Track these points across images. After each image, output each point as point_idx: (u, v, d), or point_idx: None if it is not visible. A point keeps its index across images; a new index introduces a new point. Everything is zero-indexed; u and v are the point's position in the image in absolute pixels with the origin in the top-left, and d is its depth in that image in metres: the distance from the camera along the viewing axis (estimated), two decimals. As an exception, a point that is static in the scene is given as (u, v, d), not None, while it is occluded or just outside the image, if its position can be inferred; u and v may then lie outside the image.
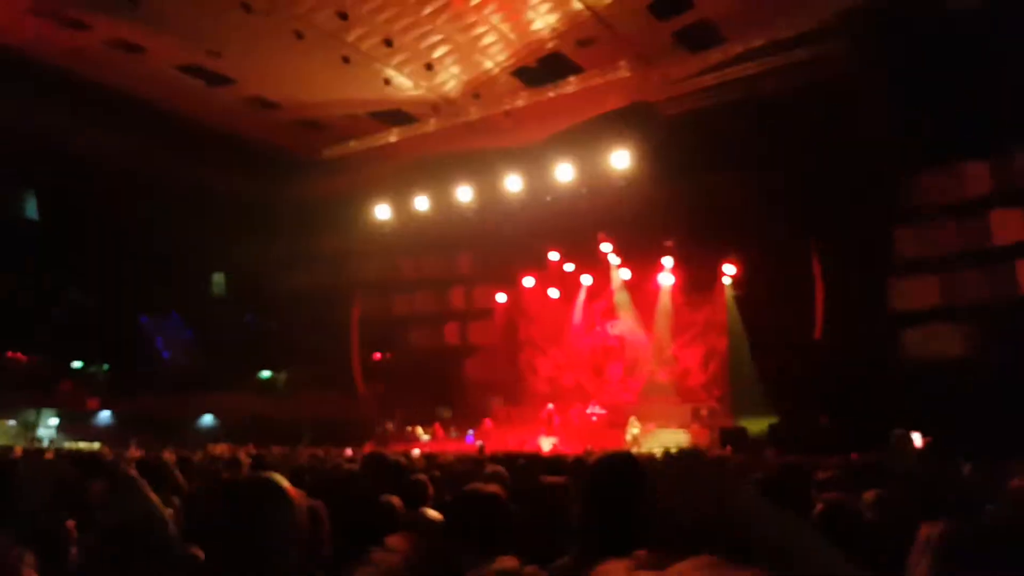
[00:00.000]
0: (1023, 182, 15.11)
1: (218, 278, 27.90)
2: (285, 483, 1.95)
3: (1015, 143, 15.06)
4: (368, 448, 16.54)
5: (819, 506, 2.64)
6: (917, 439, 11.41)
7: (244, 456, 7.27)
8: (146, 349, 26.59)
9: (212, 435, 21.69)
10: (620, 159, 18.45)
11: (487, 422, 22.42)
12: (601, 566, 1.00)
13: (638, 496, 2.19)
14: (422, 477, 4.54)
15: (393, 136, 20.40)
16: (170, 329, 27.12)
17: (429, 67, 17.36)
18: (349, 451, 15.17)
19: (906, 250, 16.46)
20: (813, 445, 13.03)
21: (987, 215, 15.43)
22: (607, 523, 2.24)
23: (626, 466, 2.37)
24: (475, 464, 7.92)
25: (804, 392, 16.97)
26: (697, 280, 21.33)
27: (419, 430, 22.21)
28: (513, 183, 20.19)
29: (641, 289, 22.48)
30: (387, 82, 18.05)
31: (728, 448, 15.66)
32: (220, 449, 12.79)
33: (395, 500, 3.31)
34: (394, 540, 2.67)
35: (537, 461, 8.69)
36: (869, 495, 3.47)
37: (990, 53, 13.74)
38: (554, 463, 8.87)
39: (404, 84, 18.24)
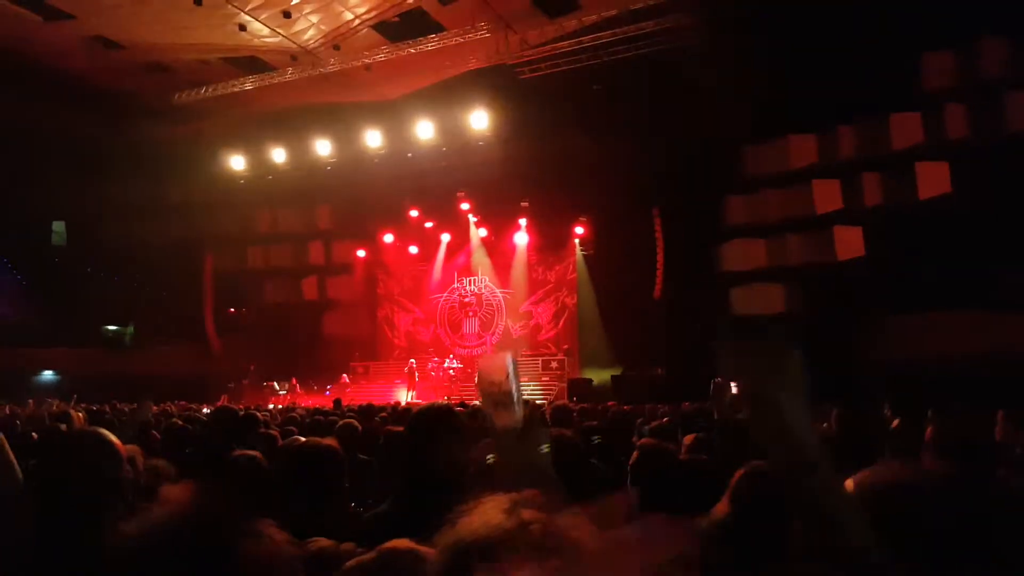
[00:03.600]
0: (844, 155, 16.62)
1: (58, 227, 26.25)
2: (112, 436, 2.01)
3: (839, 119, 16.52)
4: (221, 403, 16.38)
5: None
6: (733, 388, 12.59)
7: (74, 411, 7.14)
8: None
9: (53, 391, 20.63)
10: (479, 120, 18.88)
11: (345, 377, 22.61)
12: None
13: (451, 445, 2.40)
14: (273, 431, 4.54)
15: (248, 84, 19.72)
16: (4, 280, 25.32)
17: (287, 15, 16.92)
18: (205, 408, 14.95)
19: (737, 217, 17.86)
20: (649, 395, 14.21)
21: (810, 185, 16.93)
22: (421, 469, 2.39)
23: (441, 417, 2.49)
24: (327, 418, 8.03)
25: (643, 346, 18.28)
26: (550, 240, 22.27)
27: (275, 385, 22.08)
28: (373, 138, 20.22)
29: (498, 247, 23.19)
30: (242, 28, 17.46)
31: (575, 397, 16.75)
32: (55, 406, 12.30)
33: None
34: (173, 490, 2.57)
35: (393, 413, 9.11)
36: (688, 438, 4.02)
37: (821, 35, 14.99)
38: (404, 414, 9.36)
39: (260, 30, 17.69)
